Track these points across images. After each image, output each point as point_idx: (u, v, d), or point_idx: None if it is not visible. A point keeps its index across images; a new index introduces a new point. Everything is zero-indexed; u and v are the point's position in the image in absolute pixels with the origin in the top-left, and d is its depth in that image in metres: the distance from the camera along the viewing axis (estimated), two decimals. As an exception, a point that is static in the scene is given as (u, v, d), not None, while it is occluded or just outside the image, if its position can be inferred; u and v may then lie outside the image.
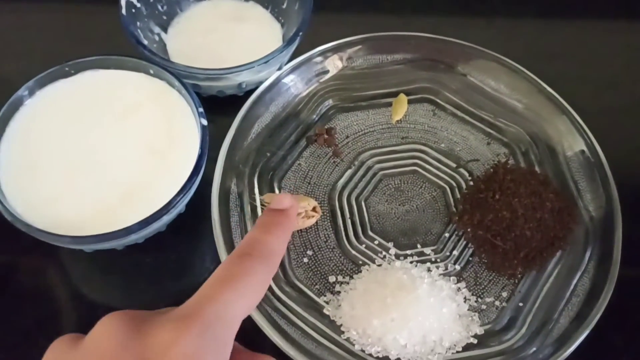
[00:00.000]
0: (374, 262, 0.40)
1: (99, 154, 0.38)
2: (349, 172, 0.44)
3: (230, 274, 0.26)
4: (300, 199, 0.41)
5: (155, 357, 0.21)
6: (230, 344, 0.24)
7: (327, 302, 0.38)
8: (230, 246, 0.38)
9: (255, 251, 0.27)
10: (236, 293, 0.25)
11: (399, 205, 0.43)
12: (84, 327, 0.38)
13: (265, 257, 0.27)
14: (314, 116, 0.46)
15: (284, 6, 0.48)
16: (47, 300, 0.40)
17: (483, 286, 0.40)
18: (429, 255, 0.41)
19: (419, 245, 0.41)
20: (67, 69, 0.40)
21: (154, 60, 0.41)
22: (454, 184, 0.44)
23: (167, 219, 0.37)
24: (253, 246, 0.28)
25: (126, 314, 0.23)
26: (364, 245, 0.41)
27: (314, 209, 0.40)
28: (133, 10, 0.44)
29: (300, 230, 0.41)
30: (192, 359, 0.21)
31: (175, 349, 0.21)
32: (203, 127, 0.38)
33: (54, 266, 0.41)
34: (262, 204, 0.41)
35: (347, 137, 0.45)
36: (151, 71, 0.41)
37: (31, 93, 0.39)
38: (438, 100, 0.47)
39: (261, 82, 0.44)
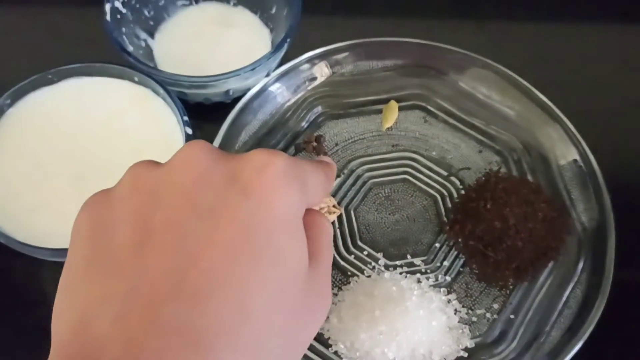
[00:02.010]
0: (363, 273, 0.40)
1: (82, 163, 0.38)
2: (338, 181, 0.43)
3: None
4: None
5: (249, 174, 0.21)
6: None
7: (314, 315, 0.38)
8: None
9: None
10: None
11: (389, 214, 0.42)
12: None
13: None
14: (303, 123, 0.45)
15: (273, 11, 0.47)
16: (26, 311, 0.39)
17: (474, 298, 0.39)
18: (419, 266, 0.40)
19: (409, 256, 0.40)
20: (50, 76, 0.40)
21: (139, 68, 0.40)
22: (445, 193, 0.43)
23: (150, 230, 0.36)
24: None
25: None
26: (352, 256, 0.40)
27: (334, 206, 0.40)
28: (118, 16, 0.43)
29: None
30: (287, 179, 0.21)
31: (271, 168, 0.21)
32: (188, 136, 0.37)
33: (36, 275, 0.40)
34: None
35: (337, 144, 0.45)
36: (136, 78, 0.40)
37: (13, 101, 0.39)
38: (429, 107, 0.46)
39: (249, 89, 0.43)
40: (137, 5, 0.46)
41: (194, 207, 0.20)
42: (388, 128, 0.46)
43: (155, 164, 0.22)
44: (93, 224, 0.21)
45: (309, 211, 0.23)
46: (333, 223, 0.41)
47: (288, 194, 0.21)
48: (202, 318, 0.18)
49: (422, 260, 0.40)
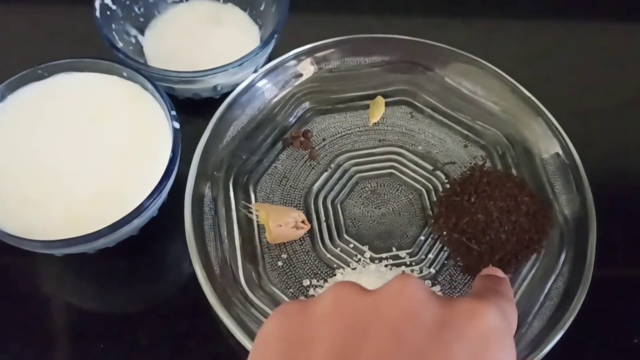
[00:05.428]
0: (348, 266, 0.40)
1: (71, 157, 0.38)
2: (325, 175, 0.44)
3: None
4: (291, 210, 0.41)
5: (459, 319, 0.20)
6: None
7: (300, 306, 0.38)
8: (202, 251, 0.37)
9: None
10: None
11: (375, 208, 0.43)
12: (57, 332, 0.38)
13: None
14: (291, 119, 0.46)
15: (262, 8, 0.48)
16: (18, 304, 0.39)
17: (458, 290, 0.40)
18: (404, 258, 0.41)
19: (394, 249, 0.41)
20: (39, 71, 0.40)
21: (127, 63, 0.41)
22: (431, 187, 0.44)
23: (138, 222, 0.36)
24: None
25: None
26: (339, 249, 0.41)
27: (303, 222, 0.40)
28: (108, 13, 0.44)
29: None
30: (496, 331, 0.21)
31: (481, 317, 0.20)
32: (175, 131, 0.38)
33: (26, 269, 0.41)
34: (249, 211, 0.41)
35: (324, 139, 0.45)
36: (124, 74, 0.40)
37: (2, 97, 0.39)
38: (416, 103, 0.47)
39: (237, 85, 0.44)
40: (127, 2, 0.46)
41: (401, 344, 0.19)
42: (375, 123, 0.46)
43: (362, 290, 0.22)
44: (285, 337, 0.20)
45: None
46: (318, 218, 0.42)
47: (504, 351, 0.20)
48: None
49: (408, 253, 0.41)
